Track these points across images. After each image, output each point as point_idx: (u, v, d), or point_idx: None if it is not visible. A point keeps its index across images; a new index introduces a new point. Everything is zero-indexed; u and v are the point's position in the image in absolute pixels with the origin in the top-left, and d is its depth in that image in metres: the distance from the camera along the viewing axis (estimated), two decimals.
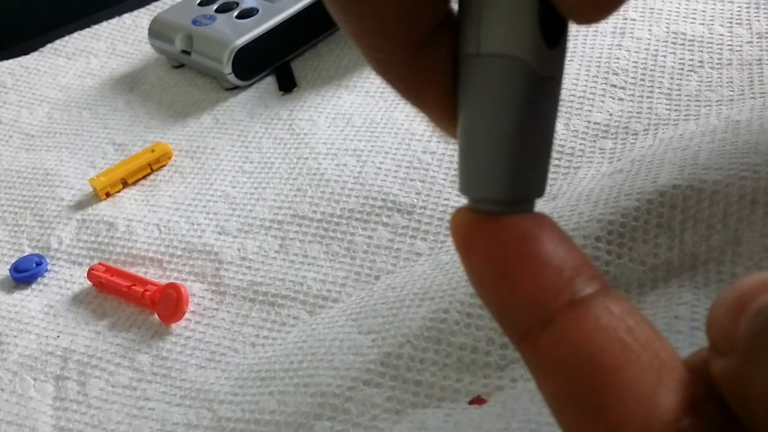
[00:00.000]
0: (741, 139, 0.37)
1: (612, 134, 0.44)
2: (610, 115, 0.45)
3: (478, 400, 0.30)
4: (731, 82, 0.44)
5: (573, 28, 0.52)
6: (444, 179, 0.44)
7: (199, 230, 0.45)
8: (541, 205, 0.40)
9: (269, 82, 0.56)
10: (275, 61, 0.57)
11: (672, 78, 0.46)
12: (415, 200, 0.43)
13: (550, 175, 0.42)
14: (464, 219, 0.16)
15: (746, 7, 0.50)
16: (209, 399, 0.35)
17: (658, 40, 0.49)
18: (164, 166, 0.51)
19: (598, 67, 0.48)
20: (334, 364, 0.32)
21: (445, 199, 0.43)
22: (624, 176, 0.37)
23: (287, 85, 0.55)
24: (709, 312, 0.14)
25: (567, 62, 0.49)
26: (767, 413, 0.12)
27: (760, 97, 0.42)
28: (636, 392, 0.13)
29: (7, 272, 0.45)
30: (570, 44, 0.51)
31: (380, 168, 0.46)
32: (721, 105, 0.43)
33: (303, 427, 0.31)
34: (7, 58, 0.63)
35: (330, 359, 0.33)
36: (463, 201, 0.17)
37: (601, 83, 0.47)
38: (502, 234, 0.15)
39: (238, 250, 0.43)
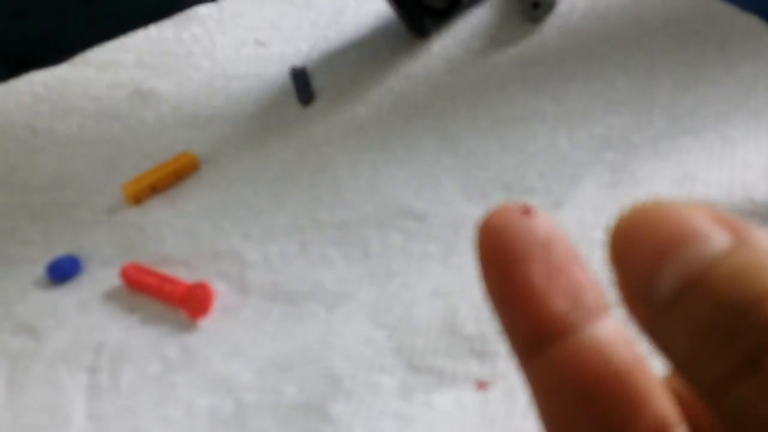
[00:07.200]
0: (737, 156, 0.39)
1: (613, 146, 0.46)
2: (611, 128, 0.48)
3: (482, 385, 0.33)
4: (727, 99, 0.47)
5: (574, 50, 0.55)
6: (454, 188, 0.47)
7: (223, 234, 0.48)
8: (537, 197, 0.42)
9: (289, 95, 0.59)
10: None
11: (670, 95, 0.49)
12: (427, 207, 0.46)
13: (556, 183, 0.45)
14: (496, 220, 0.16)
15: (739, 30, 0.53)
16: (232, 387, 0.38)
17: (654, 60, 0.52)
18: (191, 174, 0.53)
19: (599, 84, 0.51)
20: (350, 354, 0.35)
21: (456, 206, 0.46)
22: (626, 189, 0.40)
23: (306, 97, 0.58)
24: (620, 250, 0.14)
25: (569, 81, 0.52)
26: (683, 372, 0.13)
27: (754, 114, 0.44)
28: (610, 421, 0.14)
29: (44, 272, 0.48)
30: (572, 64, 0.54)
31: (394, 178, 0.49)
32: (717, 119, 0.45)
33: (319, 409, 0.33)
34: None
35: (347, 351, 0.36)
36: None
37: (602, 99, 0.50)
38: (515, 247, 0.16)
39: (261, 252, 0.46)
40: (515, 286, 0.16)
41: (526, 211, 0.16)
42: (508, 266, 0.16)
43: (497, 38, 0.59)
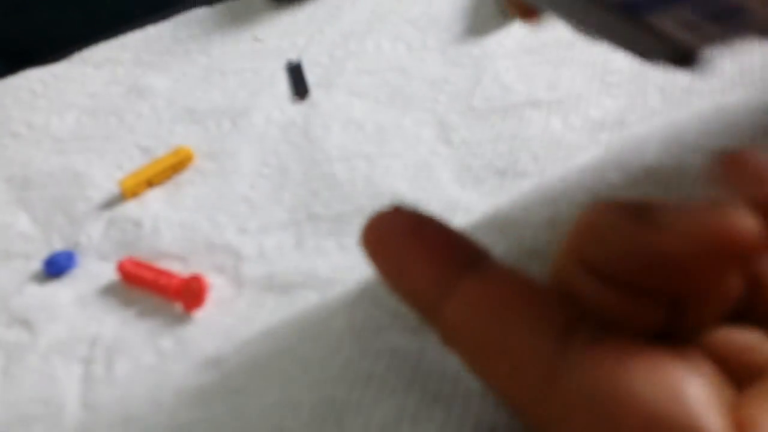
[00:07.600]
0: (728, 121, 0.39)
1: (608, 127, 0.46)
2: (606, 110, 0.48)
3: None
4: (722, 74, 0.46)
5: (567, 34, 0.55)
6: (449, 177, 0.47)
7: (219, 228, 0.48)
8: (530, 180, 0.42)
9: (284, 89, 0.59)
10: None
11: (664, 72, 0.49)
12: (420, 196, 0.46)
13: (550, 166, 0.45)
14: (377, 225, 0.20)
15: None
16: (220, 367, 0.38)
17: None
18: (186, 168, 0.54)
19: (594, 69, 0.51)
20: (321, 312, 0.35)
21: (449, 193, 0.45)
22: (613, 156, 0.39)
23: (301, 91, 0.58)
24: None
25: (563, 67, 0.52)
26: None
27: (751, 85, 0.44)
28: (523, 329, 0.16)
29: (40, 266, 0.48)
30: (566, 53, 0.54)
31: (389, 170, 0.49)
32: (713, 94, 0.45)
33: (295, 354, 0.33)
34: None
35: (322, 307, 0.35)
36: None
37: (597, 83, 0.50)
38: (391, 233, 0.20)
39: (257, 246, 0.46)
40: (414, 254, 0.19)
41: (399, 208, 0.21)
42: (403, 243, 0.19)
43: (490, 29, 0.59)
